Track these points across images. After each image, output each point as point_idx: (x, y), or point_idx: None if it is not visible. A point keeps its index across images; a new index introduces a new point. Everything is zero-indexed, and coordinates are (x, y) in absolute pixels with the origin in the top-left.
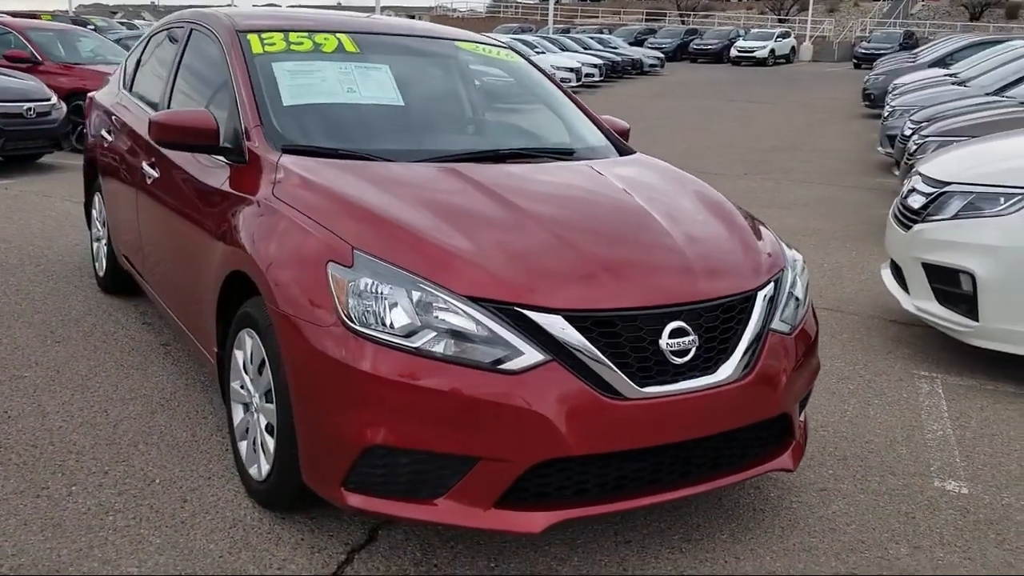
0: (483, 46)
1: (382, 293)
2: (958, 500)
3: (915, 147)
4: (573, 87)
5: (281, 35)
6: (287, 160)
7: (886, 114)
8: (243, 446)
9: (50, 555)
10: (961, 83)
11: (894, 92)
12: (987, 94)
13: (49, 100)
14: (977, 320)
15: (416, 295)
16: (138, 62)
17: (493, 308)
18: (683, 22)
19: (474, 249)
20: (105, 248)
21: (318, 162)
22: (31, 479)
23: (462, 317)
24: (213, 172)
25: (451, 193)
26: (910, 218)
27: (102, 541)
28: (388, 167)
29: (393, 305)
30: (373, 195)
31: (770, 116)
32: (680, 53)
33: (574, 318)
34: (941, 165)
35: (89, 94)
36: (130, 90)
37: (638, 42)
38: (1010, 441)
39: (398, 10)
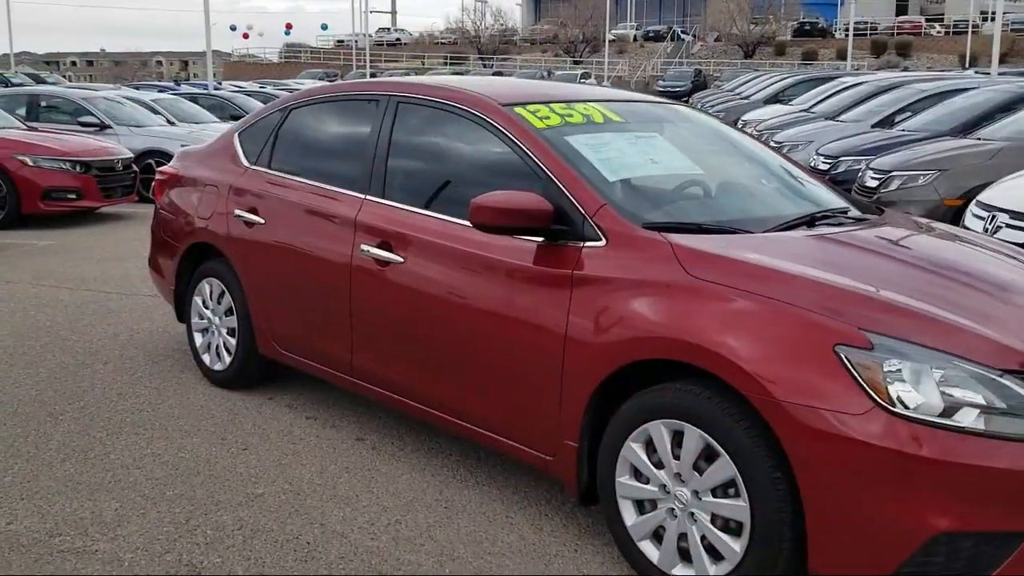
0: (683, 106)
1: (913, 373)
2: None
3: (875, 181)
4: None
5: (546, 107)
6: (679, 239)
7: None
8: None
9: None
10: (830, 118)
11: (759, 128)
12: (872, 126)
13: None
14: None
15: (947, 372)
16: (275, 136)
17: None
18: (484, 65)
19: (971, 318)
20: (230, 339)
21: (710, 238)
22: None
23: (996, 390)
24: (521, 254)
25: (863, 261)
26: None
27: None
28: (774, 240)
29: (929, 384)
30: (805, 269)
31: None
32: None
33: None
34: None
35: (164, 169)
36: (269, 166)
37: None
38: None
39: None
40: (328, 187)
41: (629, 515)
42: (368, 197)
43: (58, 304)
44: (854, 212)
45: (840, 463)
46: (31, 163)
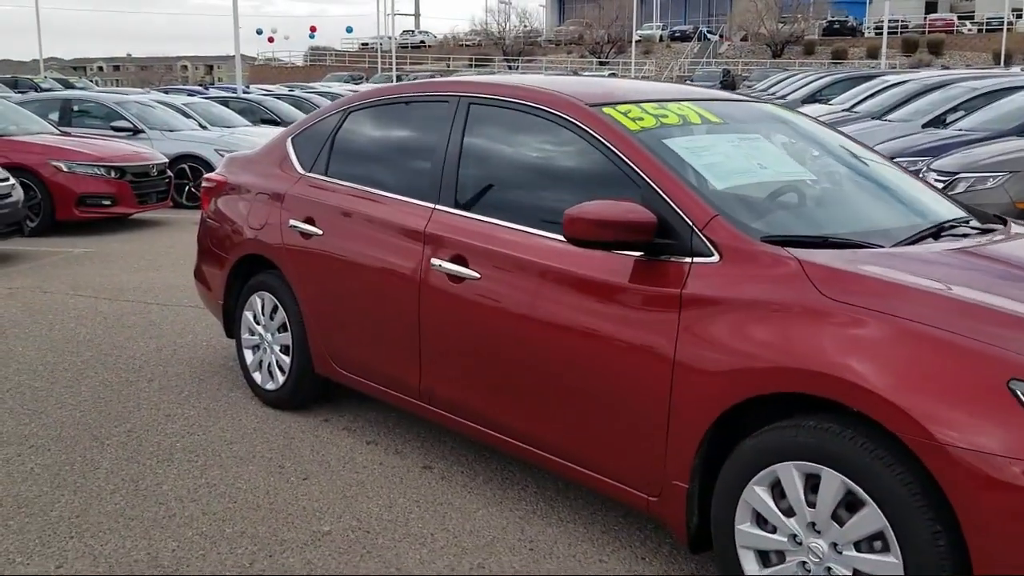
0: (774, 105)
1: None
2: None
3: (940, 184)
4: None
5: (637, 107)
6: (806, 254)
7: None
8: None
9: None
10: (876, 117)
11: None
12: (923, 126)
13: (6, 180)
14: None
15: None
16: (332, 141)
17: None
18: (510, 68)
19: None
20: (284, 357)
21: (839, 253)
22: None
23: None
24: (616, 270)
25: (1014, 278)
26: None
27: None
28: (910, 255)
29: None
30: (958, 289)
31: None
32: None
33: None
34: None
35: (212, 176)
36: (326, 173)
37: None
38: None
39: (209, 60)
40: (392, 196)
41: (751, 566)
42: (438, 207)
43: (97, 316)
44: (976, 221)
45: (1019, 517)
46: (66, 169)
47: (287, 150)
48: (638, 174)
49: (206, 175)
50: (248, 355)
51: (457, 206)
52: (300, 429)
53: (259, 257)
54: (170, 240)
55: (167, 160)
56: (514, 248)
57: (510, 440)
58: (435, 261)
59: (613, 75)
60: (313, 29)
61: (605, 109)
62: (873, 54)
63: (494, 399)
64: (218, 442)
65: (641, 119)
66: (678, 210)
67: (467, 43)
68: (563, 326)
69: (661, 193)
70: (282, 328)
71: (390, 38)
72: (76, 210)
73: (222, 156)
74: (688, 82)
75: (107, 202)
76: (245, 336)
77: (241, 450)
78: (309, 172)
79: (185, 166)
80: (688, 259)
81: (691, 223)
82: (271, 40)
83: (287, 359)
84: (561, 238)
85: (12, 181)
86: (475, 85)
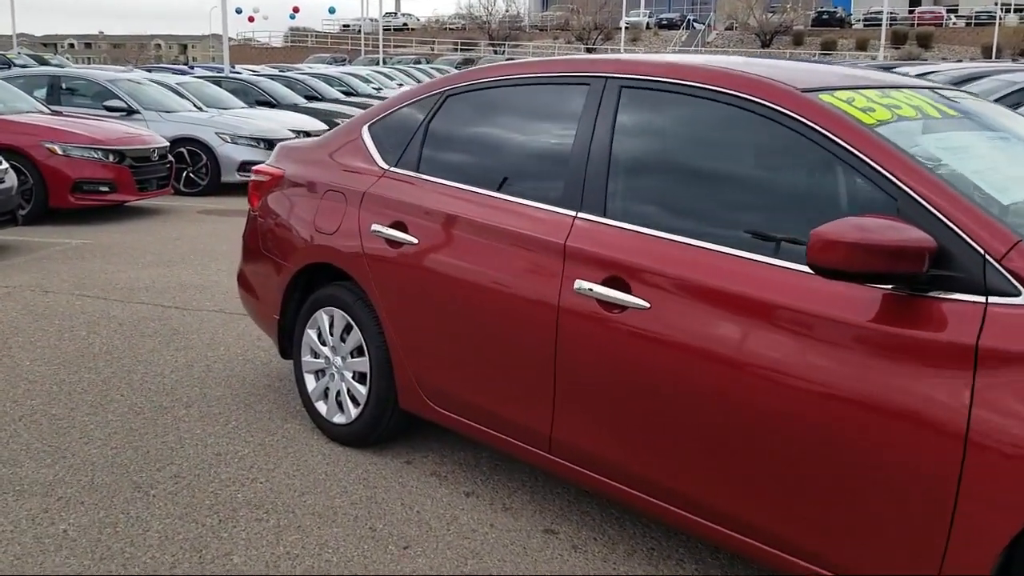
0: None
1: None
2: None
3: None
4: None
5: (861, 96)
6: None
7: None
8: None
9: None
10: None
11: None
12: None
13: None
14: None
15: None
16: (425, 131)
17: None
18: (495, 52)
19: None
20: (358, 386)
21: None
22: None
23: None
24: (858, 306)
25: None
26: None
27: None
28: None
29: None
30: None
31: None
32: None
33: None
34: None
35: (264, 168)
36: (417, 169)
37: None
38: None
39: (183, 39)
40: (514, 200)
41: None
42: (581, 215)
43: (111, 322)
44: None
45: None
46: (60, 152)
47: (364, 140)
48: (893, 183)
49: (256, 167)
50: (310, 381)
51: (607, 215)
52: (381, 474)
53: (328, 266)
54: (175, 231)
55: (168, 144)
56: (703, 272)
57: (684, 514)
58: (581, 284)
59: None
60: (296, 10)
61: (823, 96)
62: (862, 46)
63: (662, 461)
64: (286, 492)
65: (872, 110)
66: (962, 233)
67: (451, 26)
68: (775, 377)
69: (931, 209)
70: (357, 352)
71: (372, 20)
72: (71, 197)
73: (224, 140)
74: None
75: (105, 188)
76: (307, 359)
77: (317, 504)
78: (395, 167)
79: (184, 150)
80: (980, 298)
81: (983, 251)
82: (251, 20)
83: (362, 389)
84: (767, 260)
85: (5, 165)
86: (628, 64)
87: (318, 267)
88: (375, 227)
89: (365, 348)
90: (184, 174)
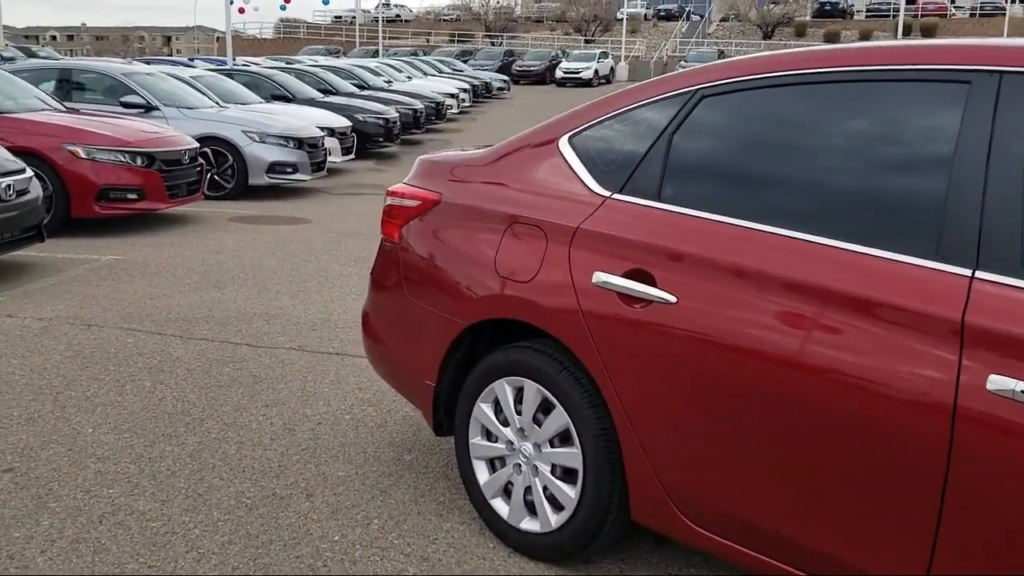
0: None
1: None
2: None
3: None
4: (455, 113)
5: None
6: None
7: None
8: None
9: None
10: None
11: None
12: None
13: (22, 172)
14: None
15: None
16: (668, 147)
17: None
18: (492, 44)
19: None
20: (563, 485)
21: None
22: None
23: None
24: None
25: None
26: None
27: None
28: None
29: None
30: None
31: None
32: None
33: None
34: None
35: (406, 191)
36: (659, 197)
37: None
38: None
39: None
40: (843, 247)
41: None
42: (979, 274)
43: (176, 366)
44: None
45: None
46: (84, 155)
47: (563, 156)
48: None
49: (396, 189)
50: (481, 471)
51: None
52: None
53: (512, 322)
54: (212, 244)
55: (198, 145)
56: None
57: None
58: (999, 380)
59: (604, 54)
60: (287, 0)
61: None
62: (866, 37)
63: None
64: None
65: None
66: None
67: (446, 18)
68: None
69: None
70: (560, 440)
71: (365, 11)
72: (96, 206)
73: (252, 139)
74: (682, 63)
75: (133, 196)
76: (477, 441)
77: None
78: (620, 193)
79: (208, 150)
80: None
81: None
82: (241, 11)
83: (569, 491)
84: None
85: (29, 173)
86: (1016, 51)
87: (497, 323)
88: (601, 276)
89: (575, 436)
90: (207, 177)
